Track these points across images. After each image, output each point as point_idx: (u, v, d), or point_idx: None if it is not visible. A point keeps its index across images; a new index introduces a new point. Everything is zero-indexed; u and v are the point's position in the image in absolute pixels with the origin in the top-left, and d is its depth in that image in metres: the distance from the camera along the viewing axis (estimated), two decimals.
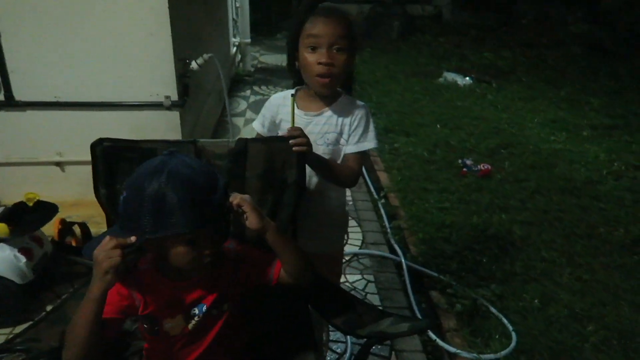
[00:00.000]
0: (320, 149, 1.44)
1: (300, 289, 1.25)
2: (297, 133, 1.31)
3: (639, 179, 3.52)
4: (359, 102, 1.50)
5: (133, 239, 0.96)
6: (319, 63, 1.35)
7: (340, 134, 1.46)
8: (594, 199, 3.23)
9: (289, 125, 1.40)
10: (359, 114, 1.46)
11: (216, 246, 1.07)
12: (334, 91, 1.47)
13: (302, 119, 1.45)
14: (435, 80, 6.04)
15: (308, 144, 1.32)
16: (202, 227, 1.00)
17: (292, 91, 1.49)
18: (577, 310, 2.23)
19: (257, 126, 1.57)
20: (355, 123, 1.45)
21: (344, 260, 2.60)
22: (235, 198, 1.08)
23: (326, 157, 1.44)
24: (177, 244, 1.02)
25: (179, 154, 1.03)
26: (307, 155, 1.34)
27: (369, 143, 1.47)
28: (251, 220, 1.08)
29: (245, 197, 1.10)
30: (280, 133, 1.51)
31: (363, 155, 1.48)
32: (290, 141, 1.30)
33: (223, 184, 1.05)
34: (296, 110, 1.45)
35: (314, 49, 1.36)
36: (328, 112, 1.46)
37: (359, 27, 1.44)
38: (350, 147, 1.46)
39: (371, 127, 1.48)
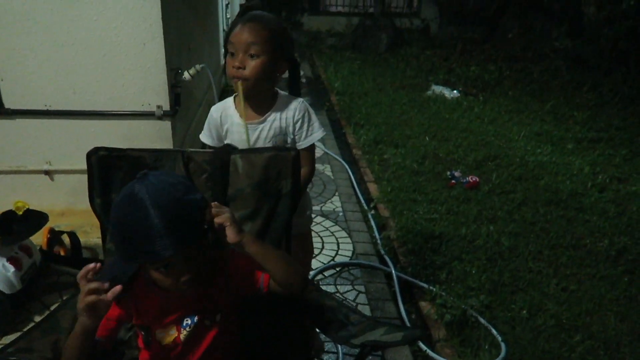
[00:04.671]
0: None
1: (293, 297, 1.23)
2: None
3: (622, 192, 3.59)
4: (296, 99, 1.56)
5: (106, 285, 0.98)
6: (232, 66, 1.44)
7: (286, 134, 1.54)
8: (579, 210, 3.29)
9: (233, 136, 1.52)
10: (298, 110, 1.53)
11: (192, 270, 1.04)
12: (271, 93, 1.54)
13: (248, 129, 1.51)
14: (423, 92, 6.12)
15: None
16: (182, 250, 0.98)
17: (230, 99, 1.57)
18: (564, 320, 2.27)
19: (206, 139, 1.61)
20: (299, 121, 1.53)
21: (334, 271, 2.62)
22: (217, 214, 1.05)
23: None
24: (155, 270, 1.03)
25: (151, 175, 1.00)
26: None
27: (317, 134, 1.56)
28: (229, 235, 1.06)
29: (225, 211, 1.07)
30: (227, 141, 1.57)
31: (313, 149, 1.56)
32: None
33: (201, 199, 1.03)
34: (240, 121, 1.51)
35: (232, 54, 1.45)
36: (271, 117, 1.53)
37: (283, 33, 1.48)
38: (301, 144, 1.54)
39: (313, 118, 1.56)
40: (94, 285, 0.98)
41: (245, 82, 1.45)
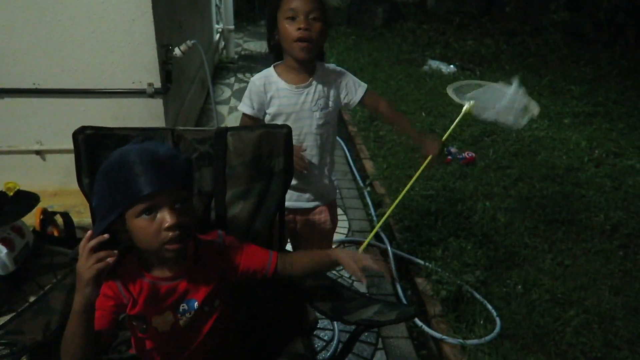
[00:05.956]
0: (316, 115, 1.61)
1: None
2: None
3: (619, 166, 3.58)
4: (331, 65, 1.69)
5: (106, 236, 0.96)
6: (298, 29, 1.49)
7: (329, 97, 1.63)
8: (575, 185, 3.28)
9: (280, 101, 1.58)
10: (338, 72, 1.67)
11: (177, 217, 1.00)
12: (312, 60, 1.61)
13: (294, 92, 1.59)
14: (419, 68, 6.04)
15: None
16: (163, 188, 0.98)
17: (270, 69, 1.62)
18: (559, 295, 2.28)
19: (246, 109, 1.64)
20: (344, 80, 1.66)
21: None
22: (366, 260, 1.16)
23: (321, 121, 1.62)
24: (138, 218, 0.99)
25: (141, 142, 1.06)
26: None
27: (363, 84, 1.69)
28: (356, 270, 1.17)
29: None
30: (271, 109, 1.60)
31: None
32: None
33: (185, 156, 1.09)
34: (285, 85, 1.59)
35: (292, 19, 1.50)
36: (315, 80, 1.61)
37: (326, 3, 1.58)
38: (356, 98, 1.67)
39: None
40: (102, 253, 0.95)
41: (311, 43, 1.51)
